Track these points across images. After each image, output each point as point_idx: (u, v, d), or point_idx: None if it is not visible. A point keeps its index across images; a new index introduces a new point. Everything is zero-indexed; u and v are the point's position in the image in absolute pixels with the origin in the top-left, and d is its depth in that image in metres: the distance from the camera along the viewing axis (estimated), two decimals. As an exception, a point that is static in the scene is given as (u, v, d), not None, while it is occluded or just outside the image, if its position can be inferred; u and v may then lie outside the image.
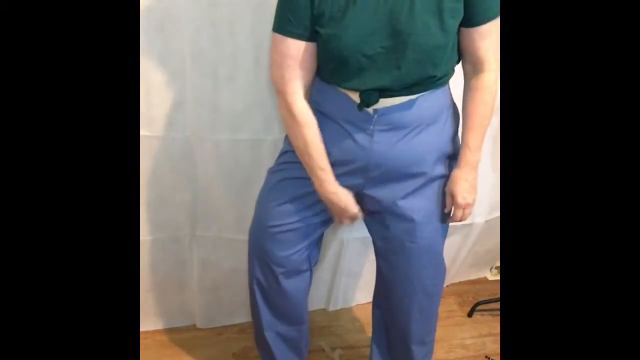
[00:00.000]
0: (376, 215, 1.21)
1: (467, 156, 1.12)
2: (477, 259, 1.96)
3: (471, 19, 1.03)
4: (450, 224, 1.23)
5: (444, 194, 1.17)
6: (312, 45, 1.05)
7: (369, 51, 1.00)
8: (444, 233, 1.23)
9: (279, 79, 1.08)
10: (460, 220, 1.19)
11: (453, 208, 1.17)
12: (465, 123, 1.13)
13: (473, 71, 1.11)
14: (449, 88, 1.14)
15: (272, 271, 1.24)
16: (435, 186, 1.16)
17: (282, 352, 1.37)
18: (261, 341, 1.38)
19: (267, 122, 1.38)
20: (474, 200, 1.16)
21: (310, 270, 1.31)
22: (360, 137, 1.09)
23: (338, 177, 1.14)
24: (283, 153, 1.22)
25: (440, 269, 1.27)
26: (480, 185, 1.18)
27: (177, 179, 1.43)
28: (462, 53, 1.10)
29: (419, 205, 1.16)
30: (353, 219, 1.19)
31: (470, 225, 1.73)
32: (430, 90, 1.07)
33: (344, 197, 1.15)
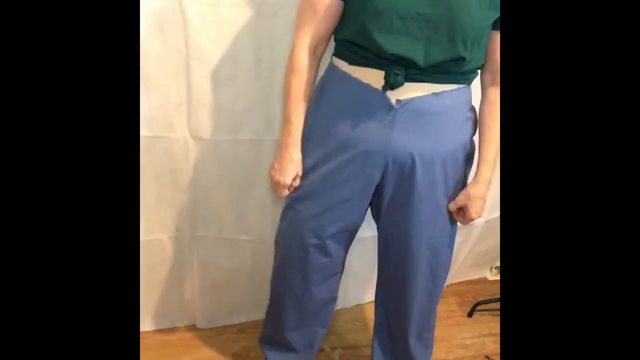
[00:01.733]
0: (390, 210, 1.17)
1: (485, 173, 1.12)
2: (477, 259, 1.96)
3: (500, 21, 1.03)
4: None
5: (460, 187, 1.17)
6: (339, 5, 1.04)
7: (404, 13, 0.97)
8: (455, 226, 1.23)
9: (296, 29, 1.09)
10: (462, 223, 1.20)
11: (461, 215, 1.17)
12: (484, 137, 1.12)
13: (491, 82, 1.11)
14: (471, 94, 1.13)
15: (309, 281, 1.24)
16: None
17: (301, 349, 1.38)
18: (278, 340, 1.37)
19: (267, 122, 1.38)
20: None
21: (342, 271, 1.31)
22: (379, 129, 1.06)
23: (358, 164, 1.10)
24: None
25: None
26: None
27: (177, 179, 1.43)
28: (484, 61, 1.10)
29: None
30: (283, 188, 1.15)
31: (470, 225, 1.73)
32: (454, 87, 1.06)
33: (290, 163, 1.12)
